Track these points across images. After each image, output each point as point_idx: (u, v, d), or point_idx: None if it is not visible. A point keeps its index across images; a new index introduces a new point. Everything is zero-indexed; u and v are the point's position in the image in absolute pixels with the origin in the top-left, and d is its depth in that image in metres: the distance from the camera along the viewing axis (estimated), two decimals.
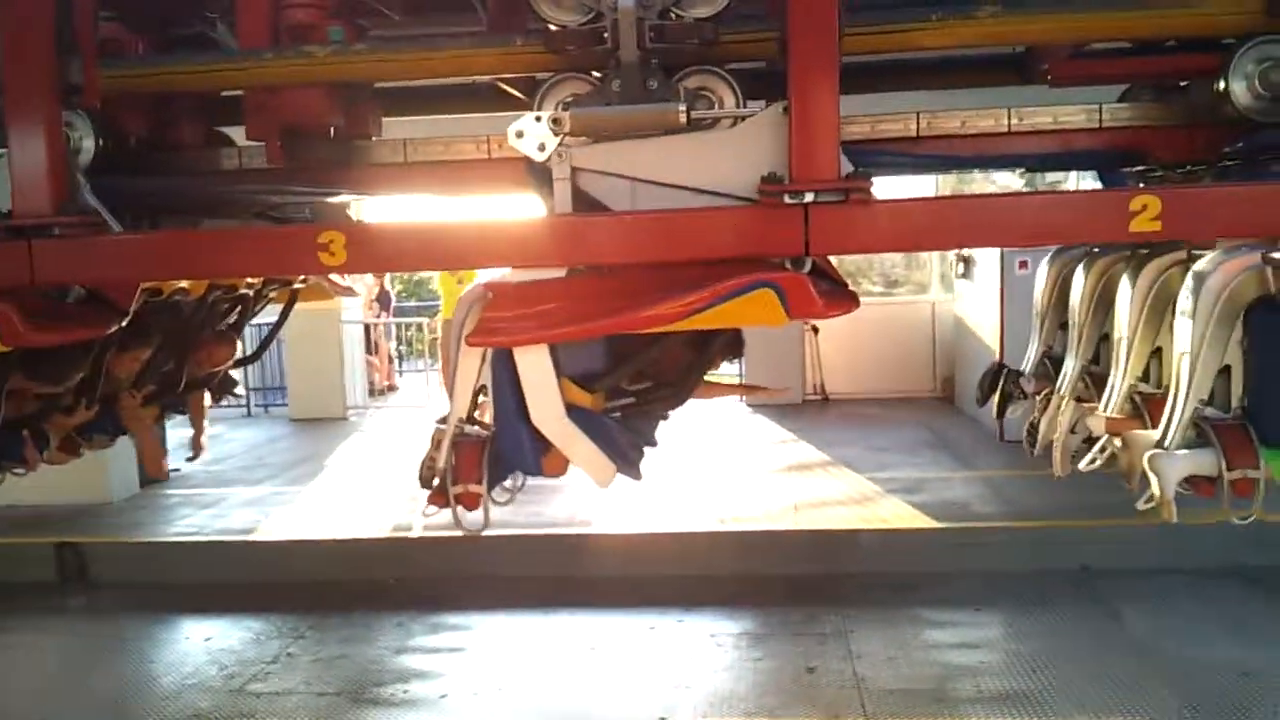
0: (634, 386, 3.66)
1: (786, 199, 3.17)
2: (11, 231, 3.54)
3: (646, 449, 3.66)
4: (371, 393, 16.56)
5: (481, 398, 3.55)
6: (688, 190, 3.31)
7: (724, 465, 10.59)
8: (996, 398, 4.47)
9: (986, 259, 12.15)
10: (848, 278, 4.14)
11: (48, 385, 4.25)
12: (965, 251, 13.25)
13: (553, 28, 3.41)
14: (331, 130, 4.23)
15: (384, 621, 7.35)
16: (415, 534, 8.19)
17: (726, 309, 3.08)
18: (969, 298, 12.93)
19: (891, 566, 7.91)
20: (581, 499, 8.93)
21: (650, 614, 7.29)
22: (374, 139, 4.57)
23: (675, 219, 3.27)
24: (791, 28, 3.18)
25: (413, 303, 23.66)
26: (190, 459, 4.96)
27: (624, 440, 3.47)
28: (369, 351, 16.88)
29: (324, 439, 13.22)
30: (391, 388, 17.97)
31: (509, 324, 3.21)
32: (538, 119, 3.23)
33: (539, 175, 3.43)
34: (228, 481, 10.82)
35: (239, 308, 5.46)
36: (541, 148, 3.23)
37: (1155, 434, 3.15)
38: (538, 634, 7.11)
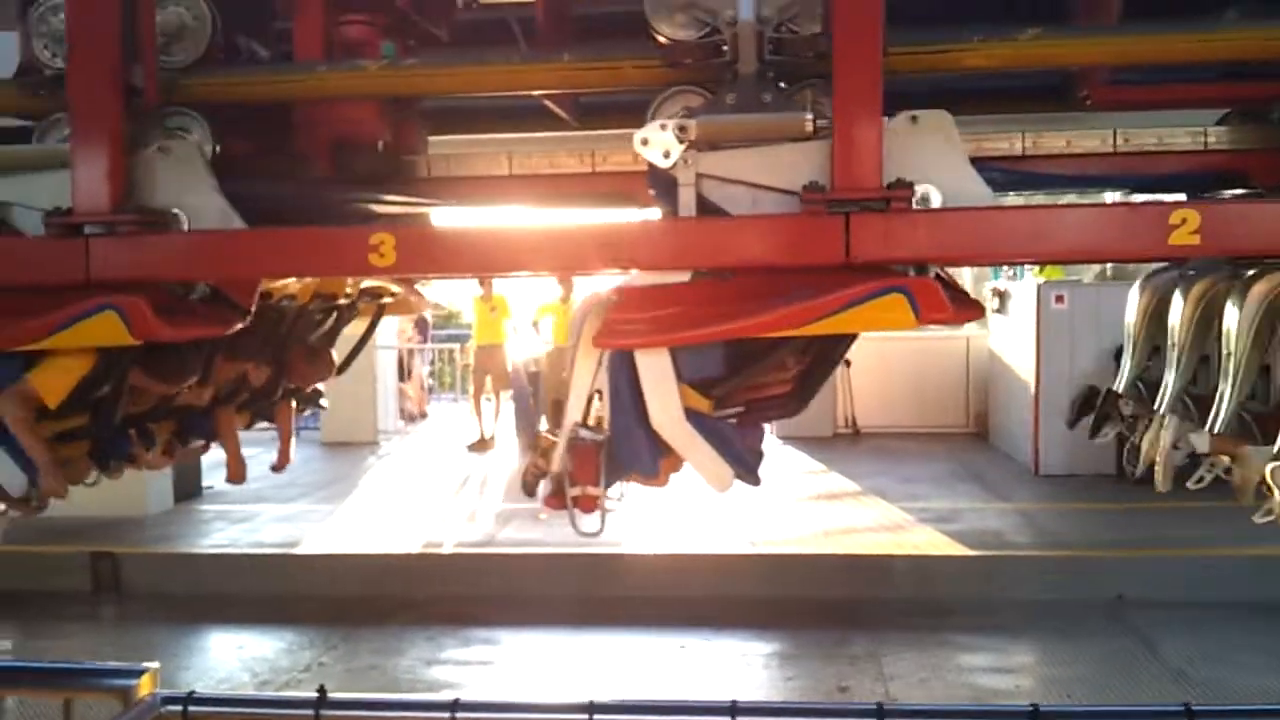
0: (749, 395, 3.67)
1: (827, 209, 3.21)
2: (69, 229, 3.65)
3: (760, 457, 3.66)
4: (403, 418, 16.67)
5: (595, 402, 3.56)
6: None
7: (754, 491, 10.53)
8: (1092, 418, 4.45)
9: (1022, 293, 12.12)
10: None
11: (166, 383, 4.29)
12: (1001, 285, 13.22)
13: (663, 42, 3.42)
14: (380, 145, 4.32)
15: (414, 635, 7.37)
16: (446, 551, 8.22)
17: (856, 314, 3.06)
18: (1004, 332, 12.89)
19: (924, 593, 7.88)
20: (613, 519, 8.93)
21: (680, 634, 7.28)
22: (477, 151, 4.64)
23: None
24: (837, 43, 3.23)
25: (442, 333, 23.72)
26: (275, 470, 5.07)
27: (740, 446, 3.48)
28: (402, 378, 17.00)
29: (355, 462, 13.31)
30: (423, 415, 18.08)
31: (635, 326, 3.24)
32: (663, 126, 3.27)
33: (658, 183, 3.46)
34: (261, 498, 10.90)
35: (334, 318, 5.42)
36: (666, 154, 3.28)
37: (1273, 449, 3.13)
38: (566, 651, 7.12)
